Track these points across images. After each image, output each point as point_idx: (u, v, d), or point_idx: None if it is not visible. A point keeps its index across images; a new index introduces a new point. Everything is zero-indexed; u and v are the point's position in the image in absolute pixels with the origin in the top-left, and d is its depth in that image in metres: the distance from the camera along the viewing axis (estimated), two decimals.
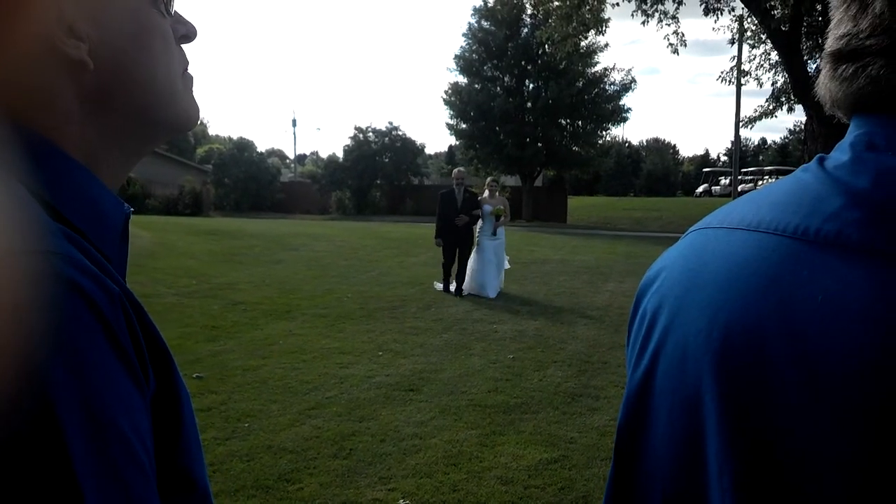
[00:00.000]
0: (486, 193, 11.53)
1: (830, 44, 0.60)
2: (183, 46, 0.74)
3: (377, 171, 40.51)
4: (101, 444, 0.48)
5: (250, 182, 41.69)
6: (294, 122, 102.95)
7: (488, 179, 12.26)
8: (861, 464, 0.48)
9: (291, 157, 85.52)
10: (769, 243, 0.57)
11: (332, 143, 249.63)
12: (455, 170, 11.97)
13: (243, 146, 44.12)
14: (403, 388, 6.00)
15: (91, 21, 0.61)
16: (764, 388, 0.53)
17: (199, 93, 0.75)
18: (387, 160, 40.76)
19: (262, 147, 67.81)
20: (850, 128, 0.61)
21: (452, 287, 11.15)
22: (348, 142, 41.58)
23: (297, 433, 4.90)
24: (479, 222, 11.29)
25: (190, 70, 0.74)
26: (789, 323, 0.53)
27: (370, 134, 41.45)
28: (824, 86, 0.62)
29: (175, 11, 0.72)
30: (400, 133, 41.47)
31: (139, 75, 0.66)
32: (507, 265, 11.75)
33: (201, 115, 0.75)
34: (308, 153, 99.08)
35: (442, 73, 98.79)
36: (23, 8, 0.55)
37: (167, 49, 0.69)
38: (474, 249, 11.23)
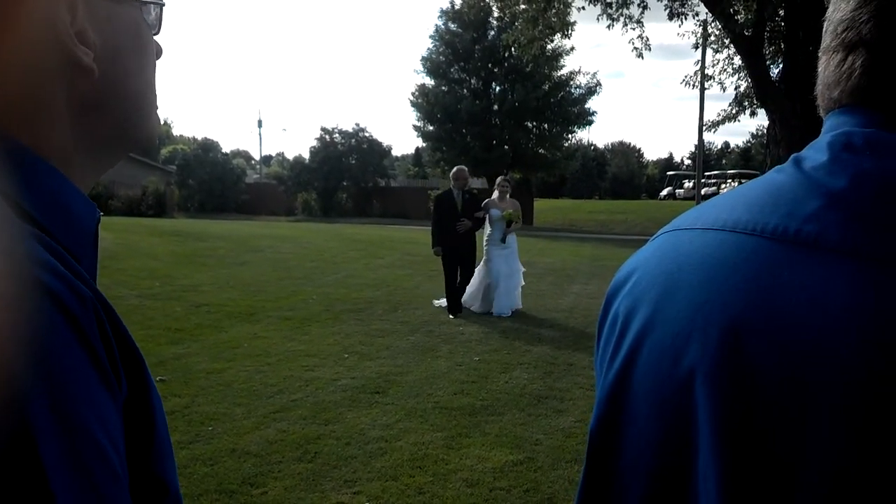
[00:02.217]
0: (496, 195, 9.99)
1: (830, 30, 0.60)
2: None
3: (343, 173, 40.40)
4: (74, 451, 0.47)
5: (215, 183, 41.33)
6: (260, 123, 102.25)
7: (499, 179, 10.31)
8: (848, 465, 0.48)
9: (257, 157, 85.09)
10: (747, 244, 0.57)
11: (298, 144, 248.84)
12: (456, 168, 10.26)
13: (208, 147, 43.75)
14: (369, 391, 5.98)
15: (97, 30, 0.62)
16: (748, 391, 0.53)
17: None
18: (353, 162, 40.67)
19: (227, 148, 67.48)
20: (824, 126, 0.61)
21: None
22: (314, 143, 41.54)
23: (261, 437, 4.86)
24: (488, 228, 10.00)
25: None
26: (771, 325, 0.53)
27: (336, 135, 41.35)
28: (821, 77, 0.62)
29: None
30: (366, 135, 41.44)
31: (130, 88, 0.67)
32: (521, 280, 10.14)
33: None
34: (274, 154, 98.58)
35: (409, 74, 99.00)
36: (40, 11, 0.56)
37: (153, 66, 0.71)
38: (482, 261, 9.99)
